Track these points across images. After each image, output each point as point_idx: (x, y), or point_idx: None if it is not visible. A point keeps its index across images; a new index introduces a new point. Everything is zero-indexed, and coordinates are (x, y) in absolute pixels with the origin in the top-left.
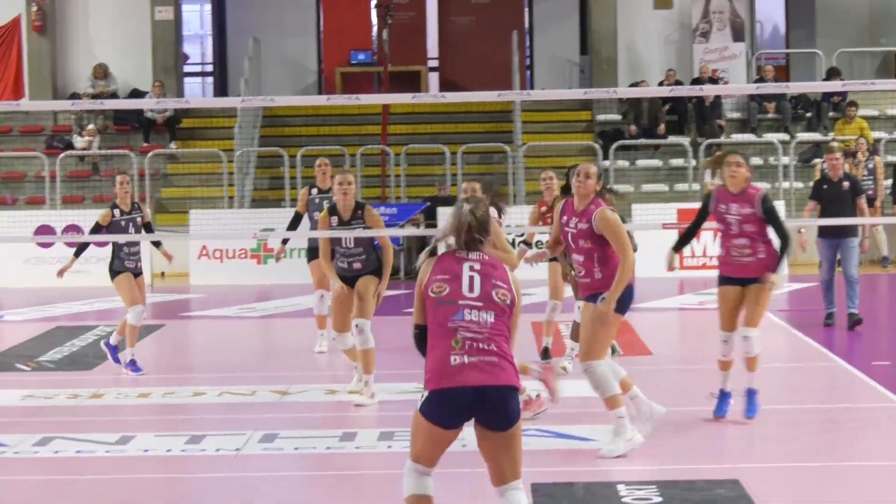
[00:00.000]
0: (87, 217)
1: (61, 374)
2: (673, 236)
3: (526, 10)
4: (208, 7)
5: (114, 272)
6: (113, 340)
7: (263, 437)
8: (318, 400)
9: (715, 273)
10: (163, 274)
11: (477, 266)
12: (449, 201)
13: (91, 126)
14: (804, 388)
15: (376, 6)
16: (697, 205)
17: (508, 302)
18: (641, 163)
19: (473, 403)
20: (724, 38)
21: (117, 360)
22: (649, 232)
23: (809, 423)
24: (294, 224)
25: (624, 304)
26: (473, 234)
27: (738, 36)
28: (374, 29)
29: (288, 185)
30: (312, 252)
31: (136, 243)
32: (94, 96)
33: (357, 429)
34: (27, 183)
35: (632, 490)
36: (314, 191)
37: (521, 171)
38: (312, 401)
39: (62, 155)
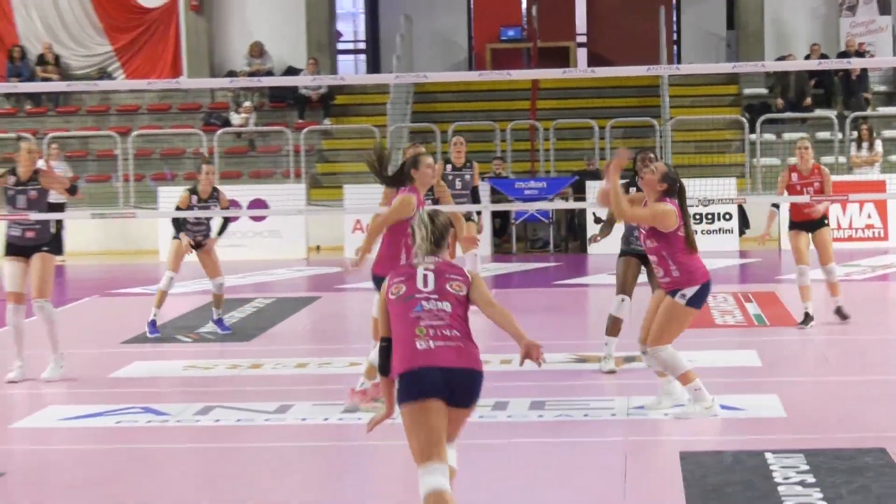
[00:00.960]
0: (245, 192)
1: (221, 346)
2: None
3: None
4: None
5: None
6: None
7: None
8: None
9: (863, 245)
10: (318, 248)
11: (431, 267)
12: (597, 175)
13: (247, 103)
14: None
15: None
16: (844, 178)
17: (463, 293)
18: (788, 136)
19: (442, 382)
20: (870, 12)
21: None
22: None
23: None
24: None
25: (698, 299)
26: (431, 241)
27: (884, 9)
28: (524, 5)
29: (440, 160)
30: None
31: (201, 219)
32: (251, 74)
33: (508, 398)
34: (186, 159)
35: (779, 458)
36: (448, 167)
37: (669, 145)
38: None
39: (220, 132)
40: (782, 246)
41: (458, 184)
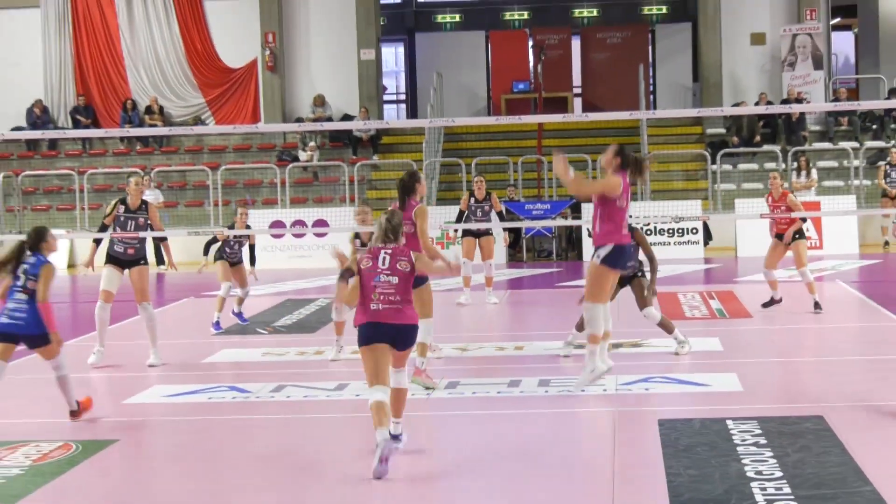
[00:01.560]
0: (310, 214)
1: (291, 336)
2: (765, 225)
3: (650, 46)
4: (402, 49)
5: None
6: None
7: (448, 384)
8: (490, 354)
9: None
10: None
11: (389, 251)
12: (589, 199)
13: (312, 143)
14: (871, 342)
15: (533, 46)
16: None
17: (408, 270)
18: (742, 166)
19: (389, 333)
20: (807, 67)
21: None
22: (749, 220)
23: (876, 370)
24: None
25: (611, 258)
26: (388, 234)
27: (817, 65)
28: (531, 64)
29: (465, 187)
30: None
31: (234, 246)
32: (315, 120)
33: (521, 377)
34: (263, 188)
35: (738, 424)
36: (472, 199)
37: (647, 175)
38: (485, 355)
39: (290, 166)
40: (738, 254)
41: (480, 213)
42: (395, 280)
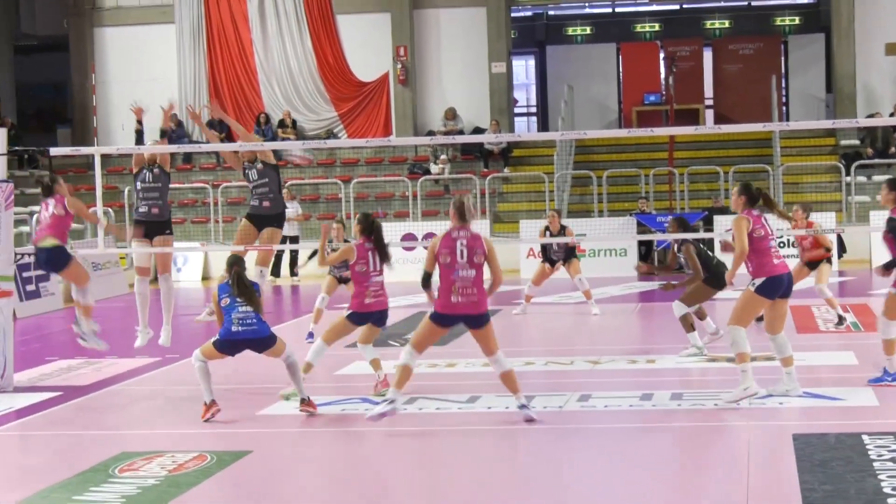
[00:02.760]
0: (442, 227)
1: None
2: None
3: (783, 58)
4: (532, 62)
5: None
6: None
7: (581, 396)
8: (622, 368)
9: None
10: None
11: (465, 241)
12: (723, 211)
13: (444, 156)
14: None
15: (664, 58)
16: None
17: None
18: (876, 178)
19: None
20: None
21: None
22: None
23: None
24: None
25: (765, 288)
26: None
27: None
28: (662, 76)
29: (596, 200)
30: None
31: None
32: (446, 133)
33: (653, 391)
34: (395, 200)
35: (874, 439)
36: (547, 233)
37: (781, 187)
38: (618, 369)
39: (421, 179)
40: (873, 266)
41: (556, 246)
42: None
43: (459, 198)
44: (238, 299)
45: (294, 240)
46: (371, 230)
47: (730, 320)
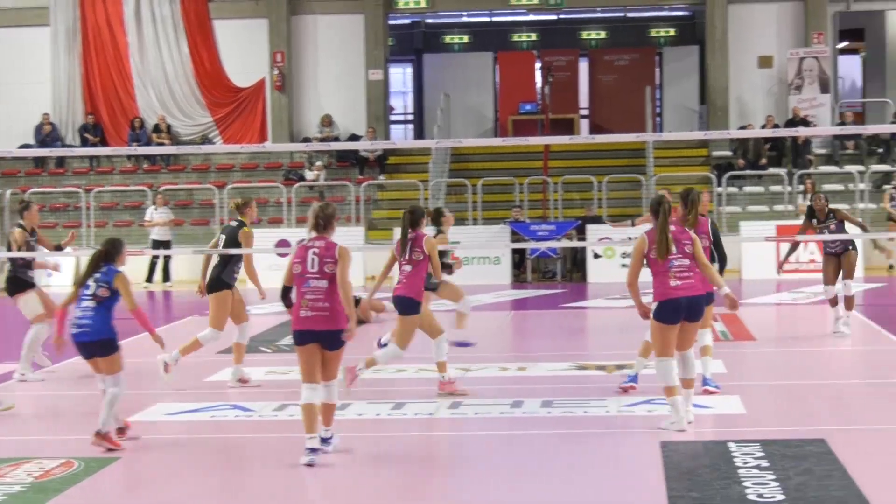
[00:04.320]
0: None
1: (294, 355)
2: (771, 247)
3: (657, 69)
4: (410, 69)
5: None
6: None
7: (451, 404)
8: (493, 375)
9: (808, 276)
10: (373, 277)
11: (317, 250)
12: (596, 220)
13: (319, 163)
14: (875, 366)
15: (540, 68)
16: (793, 222)
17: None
18: (748, 189)
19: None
20: (813, 91)
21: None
22: (753, 243)
23: (880, 395)
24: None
25: (659, 313)
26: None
27: (824, 88)
28: (538, 85)
29: (471, 208)
30: None
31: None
32: (322, 139)
33: (523, 398)
34: (270, 207)
35: (740, 447)
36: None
37: (652, 196)
38: (489, 376)
39: (296, 185)
40: (743, 276)
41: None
42: (323, 284)
43: (314, 205)
44: (87, 293)
45: (166, 245)
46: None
47: (654, 352)
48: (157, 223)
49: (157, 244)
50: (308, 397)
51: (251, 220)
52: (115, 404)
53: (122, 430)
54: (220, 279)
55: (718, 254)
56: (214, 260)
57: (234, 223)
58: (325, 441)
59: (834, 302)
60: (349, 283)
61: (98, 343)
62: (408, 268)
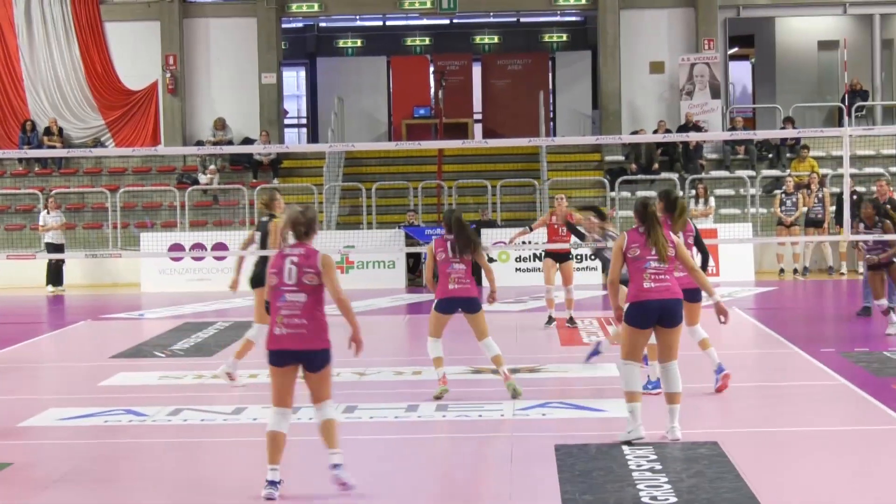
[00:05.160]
0: (210, 237)
1: (189, 360)
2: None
3: (550, 74)
4: (303, 73)
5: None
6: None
7: (346, 408)
8: (388, 379)
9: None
10: None
11: (296, 259)
12: (490, 224)
13: (212, 166)
14: (766, 369)
15: (434, 72)
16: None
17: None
18: (640, 193)
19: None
20: (704, 96)
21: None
22: None
23: (770, 398)
24: None
25: (628, 316)
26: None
27: (715, 94)
28: (432, 90)
29: (365, 212)
30: None
31: None
32: (215, 143)
33: (418, 402)
34: (162, 210)
35: (633, 450)
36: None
37: (546, 201)
38: (384, 380)
39: (189, 189)
40: None
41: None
42: (301, 298)
43: (292, 209)
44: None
45: (60, 249)
46: (450, 224)
47: (620, 353)
48: (51, 227)
49: (52, 248)
50: (275, 424)
51: (280, 211)
52: None
53: None
54: (263, 274)
55: (701, 252)
56: (254, 257)
57: (265, 218)
58: (335, 466)
59: (886, 311)
60: (343, 293)
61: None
62: (462, 266)
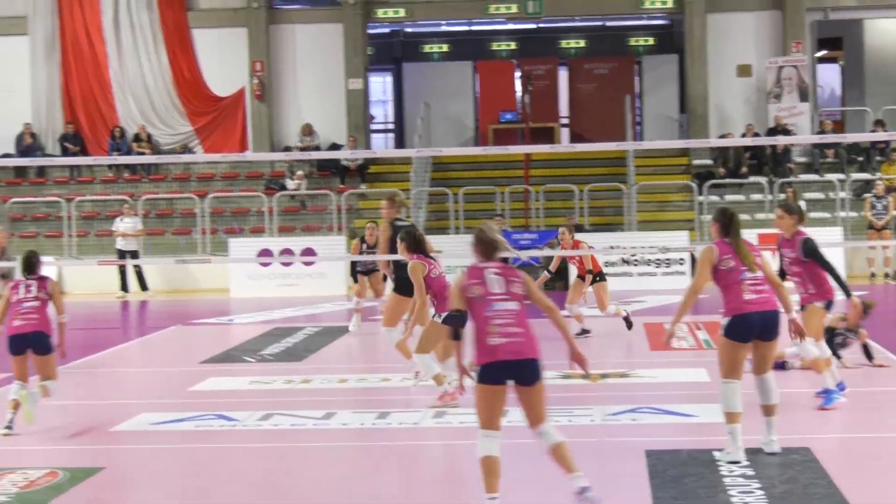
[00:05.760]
0: (298, 243)
1: (278, 365)
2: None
3: (636, 78)
4: (390, 78)
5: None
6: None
7: (436, 413)
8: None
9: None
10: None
11: (497, 271)
12: (578, 229)
13: (300, 172)
14: (857, 374)
15: (520, 77)
16: (774, 231)
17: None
18: (728, 197)
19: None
20: (792, 99)
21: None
22: None
23: (862, 403)
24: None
25: (731, 330)
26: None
27: (803, 97)
28: (518, 94)
29: (452, 217)
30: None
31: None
32: (302, 149)
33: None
34: (251, 216)
35: (725, 455)
36: (363, 245)
37: (634, 205)
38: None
39: (277, 195)
40: None
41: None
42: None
43: (479, 228)
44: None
45: (135, 255)
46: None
47: (719, 372)
48: (121, 233)
49: (122, 254)
50: (488, 448)
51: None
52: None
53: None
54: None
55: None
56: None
57: (401, 222)
58: (583, 490)
59: None
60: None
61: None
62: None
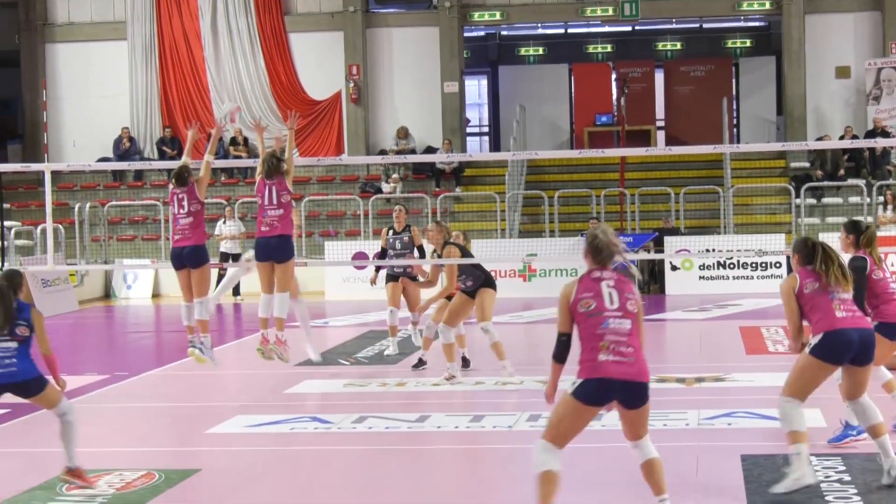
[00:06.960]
0: None
1: (373, 368)
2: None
3: (734, 80)
4: (485, 81)
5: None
6: None
7: (530, 416)
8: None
9: None
10: None
11: (612, 283)
12: (674, 232)
13: (395, 175)
14: None
15: (616, 79)
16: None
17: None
18: (826, 200)
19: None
20: (892, 101)
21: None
22: None
23: None
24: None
25: (820, 349)
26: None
27: None
28: (614, 97)
29: (547, 220)
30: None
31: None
32: (398, 152)
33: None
34: (346, 219)
35: (822, 460)
36: (390, 231)
37: (731, 208)
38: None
39: (373, 198)
40: None
41: (398, 244)
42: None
43: (592, 231)
44: (4, 333)
45: (237, 258)
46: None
47: (783, 389)
48: (225, 236)
49: (225, 257)
50: (548, 462)
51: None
52: (71, 433)
53: (72, 472)
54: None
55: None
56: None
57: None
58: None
59: None
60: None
61: (23, 384)
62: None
